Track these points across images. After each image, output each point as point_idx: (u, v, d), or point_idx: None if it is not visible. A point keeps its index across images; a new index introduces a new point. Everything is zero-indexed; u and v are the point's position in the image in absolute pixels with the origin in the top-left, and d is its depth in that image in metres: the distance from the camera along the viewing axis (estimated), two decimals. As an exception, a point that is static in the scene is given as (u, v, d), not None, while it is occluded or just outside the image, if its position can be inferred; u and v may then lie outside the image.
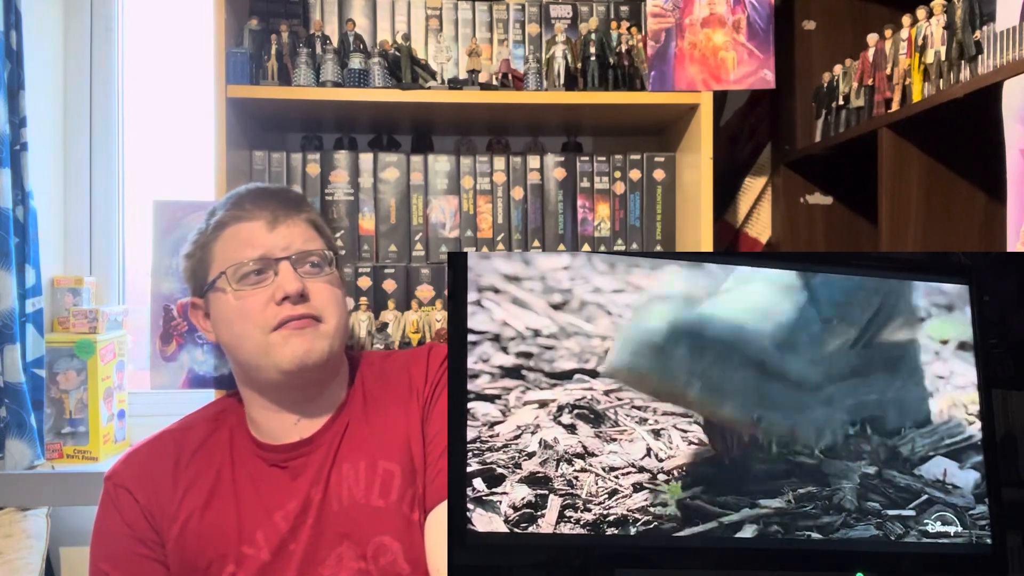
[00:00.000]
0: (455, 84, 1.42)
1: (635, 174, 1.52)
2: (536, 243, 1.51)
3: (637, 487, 0.83)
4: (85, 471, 1.59)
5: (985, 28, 1.09)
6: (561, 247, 1.51)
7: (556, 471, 0.82)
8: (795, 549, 0.81)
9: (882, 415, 0.94)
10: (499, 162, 1.50)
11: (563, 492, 0.80)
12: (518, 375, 0.94)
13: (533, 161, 1.50)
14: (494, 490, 0.79)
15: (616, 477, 0.83)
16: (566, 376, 0.95)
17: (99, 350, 1.66)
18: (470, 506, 0.78)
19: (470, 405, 0.85)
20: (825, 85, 1.53)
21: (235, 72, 1.34)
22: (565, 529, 0.78)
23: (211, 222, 1.05)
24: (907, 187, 1.28)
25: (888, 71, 1.31)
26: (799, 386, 0.86)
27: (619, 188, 1.52)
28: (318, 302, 1.01)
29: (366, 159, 1.48)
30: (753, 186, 1.79)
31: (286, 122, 1.59)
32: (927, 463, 0.91)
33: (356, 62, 1.39)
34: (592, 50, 1.42)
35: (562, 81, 1.41)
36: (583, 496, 0.80)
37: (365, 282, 1.45)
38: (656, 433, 0.89)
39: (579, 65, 1.43)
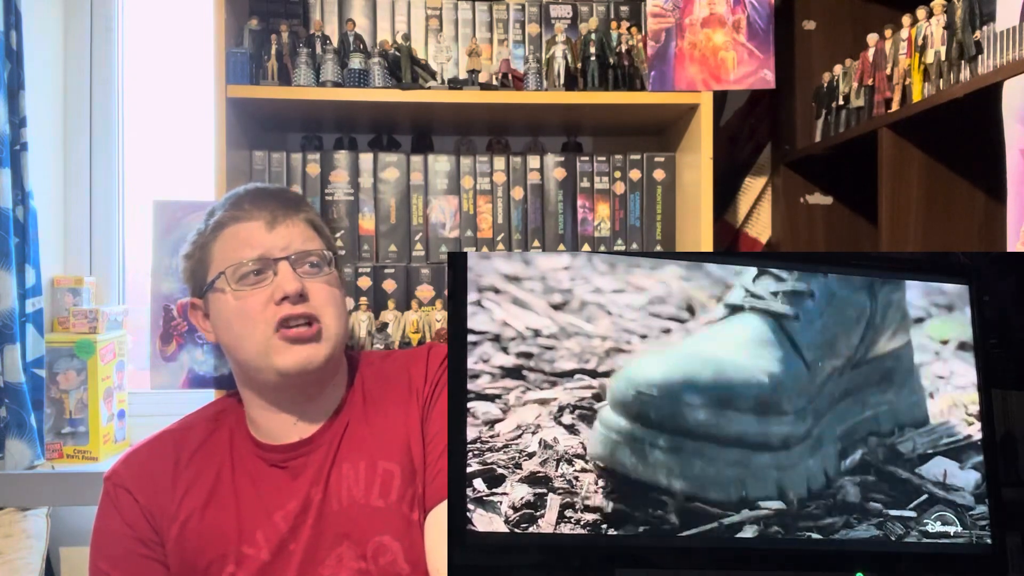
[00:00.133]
0: (455, 84, 1.41)
1: (635, 174, 1.52)
2: (536, 243, 1.51)
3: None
4: (85, 471, 1.59)
5: (985, 28, 1.09)
6: (561, 247, 1.51)
7: (556, 471, 0.82)
8: (795, 549, 0.81)
9: (878, 428, 0.93)
10: (499, 162, 1.50)
11: (563, 492, 0.80)
12: (518, 375, 0.94)
13: (533, 161, 1.50)
14: (494, 490, 0.79)
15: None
16: (566, 376, 0.95)
17: (99, 350, 1.66)
18: (470, 506, 0.78)
19: (470, 405, 0.85)
20: (825, 85, 1.53)
21: (235, 72, 1.34)
22: (565, 529, 0.77)
23: (210, 222, 1.05)
24: (907, 187, 1.28)
25: (888, 71, 1.31)
26: (786, 444, 0.84)
27: (619, 188, 1.51)
28: (317, 302, 1.01)
29: (366, 159, 1.48)
30: (753, 186, 1.79)
31: (286, 122, 1.59)
32: (927, 463, 0.91)
33: (356, 62, 1.38)
34: (592, 50, 1.42)
35: (562, 81, 1.41)
36: (583, 496, 0.80)
37: (365, 282, 1.45)
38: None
39: (579, 65, 1.43)
